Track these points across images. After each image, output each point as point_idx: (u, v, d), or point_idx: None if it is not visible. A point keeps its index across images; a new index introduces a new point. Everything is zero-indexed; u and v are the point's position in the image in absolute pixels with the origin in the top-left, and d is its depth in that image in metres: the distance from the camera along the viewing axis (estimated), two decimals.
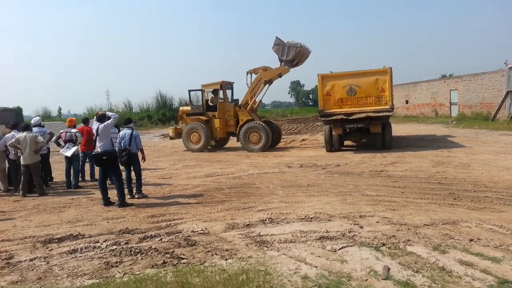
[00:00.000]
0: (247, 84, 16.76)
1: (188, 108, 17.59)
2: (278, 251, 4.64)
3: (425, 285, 3.62)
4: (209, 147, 17.22)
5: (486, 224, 5.29)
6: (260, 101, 17.65)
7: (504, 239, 4.72)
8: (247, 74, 16.73)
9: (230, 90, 17.54)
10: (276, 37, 15.90)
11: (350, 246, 4.68)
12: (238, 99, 17.34)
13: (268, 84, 16.71)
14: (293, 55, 15.66)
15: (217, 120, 16.70)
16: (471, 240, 4.71)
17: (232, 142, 18.08)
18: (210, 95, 17.14)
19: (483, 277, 3.72)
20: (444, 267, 3.97)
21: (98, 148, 7.77)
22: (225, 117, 16.96)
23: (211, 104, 17.00)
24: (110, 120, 7.84)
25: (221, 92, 16.95)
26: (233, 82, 17.79)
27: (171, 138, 18.57)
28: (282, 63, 16.28)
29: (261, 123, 16.09)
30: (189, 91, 18.04)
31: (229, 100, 17.30)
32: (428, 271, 3.90)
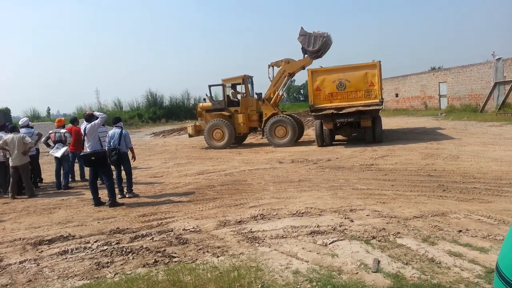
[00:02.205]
0: (269, 78, 16.38)
1: (208, 104, 16.96)
2: (269, 247, 4.66)
3: (414, 277, 3.66)
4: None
5: (475, 215, 5.36)
6: (283, 94, 17.29)
7: (492, 229, 4.79)
8: (268, 67, 16.33)
9: (250, 84, 17.09)
10: (301, 27, 15.57)
11: (341, 240, 4.71)
12: (261, 93, 16.61)
13: (290, 78, 16.49)
14: (319, 45, 15.31)
15: (240, 116, 16.22)
16: (460, 231, 4.77)
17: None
18: (230, 90, 16.68)
19: (471, 267, 3.78)
20: (433, 258, 4.02)
21: (87, 148, 7.72)
22: (248, 112, 16.53)
23: (234, 99, 16.50)
24: (98, 120, 7.76)
25: (243, 86, 16.54)
26: (253, 76, 17.39)
27: (190, 136, 17.80)
28: (306, 55, 15.86)
29: (287, 116, 15.72)
30: (209, 86, 16.60)
31: (251, 94, 16.84)
32: (418, 263, 3.94)
